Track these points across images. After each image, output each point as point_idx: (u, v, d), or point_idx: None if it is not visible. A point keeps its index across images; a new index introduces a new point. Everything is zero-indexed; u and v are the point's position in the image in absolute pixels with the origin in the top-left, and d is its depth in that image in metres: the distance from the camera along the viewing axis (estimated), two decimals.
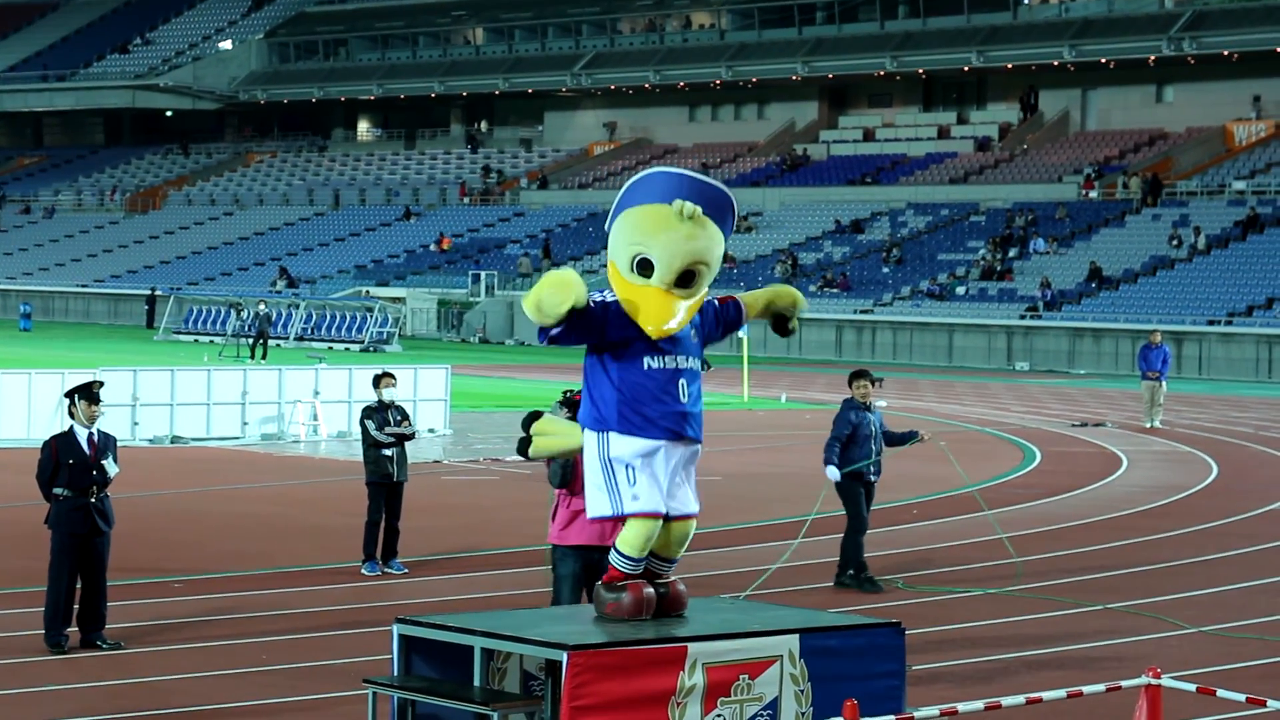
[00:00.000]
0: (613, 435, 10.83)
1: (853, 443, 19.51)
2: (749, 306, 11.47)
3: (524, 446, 11.71)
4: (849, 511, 19.72)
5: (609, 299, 10.87)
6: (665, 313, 10.80)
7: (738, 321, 11.43)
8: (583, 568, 13.86)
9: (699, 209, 10.87)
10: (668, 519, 10.97)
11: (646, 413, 10.80)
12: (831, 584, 19.69)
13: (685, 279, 10.85)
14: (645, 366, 10.83)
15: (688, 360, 10.95)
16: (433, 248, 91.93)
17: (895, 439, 19.99)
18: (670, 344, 10.87)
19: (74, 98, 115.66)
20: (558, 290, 10.54)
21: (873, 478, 19.71)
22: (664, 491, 10.87)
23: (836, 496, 19.94)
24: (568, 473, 13.82)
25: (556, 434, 11.45)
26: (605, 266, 11.24)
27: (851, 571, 19.60)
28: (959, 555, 21.72)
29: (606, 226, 11.17)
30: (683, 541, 11.15)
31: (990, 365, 67.55)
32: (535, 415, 12.05)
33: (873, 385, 19.78)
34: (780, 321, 11.59)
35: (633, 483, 10.80)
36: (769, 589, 18.45)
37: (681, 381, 10.89)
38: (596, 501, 10.94)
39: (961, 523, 24.65)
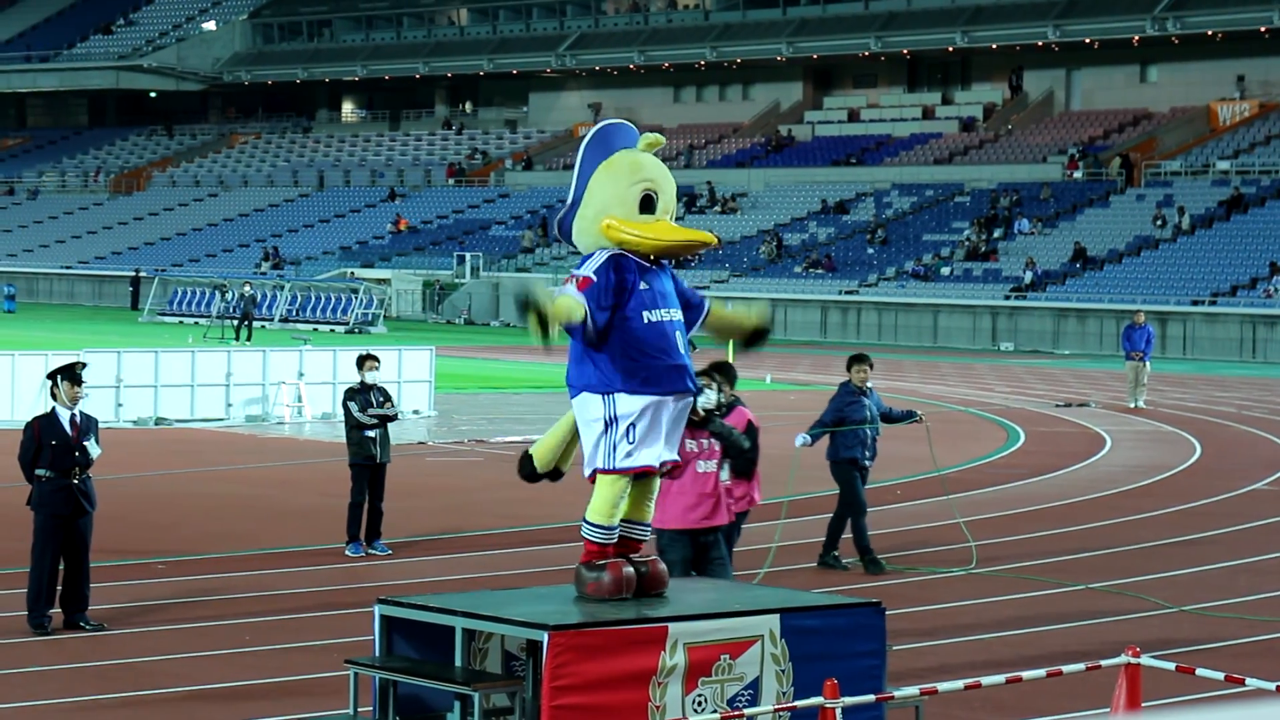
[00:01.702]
0: (619, 395, 10.81)
1: (844, 426, 19.37)
2: (714, 316, 11.38)
3: (528, 471, 11.34)
4: (844, 495, 19.65)
5: (598, 263, 10.85)
6: (683, 232, 11.10)
7: (692, 316, 11.27)
8: (692, 550, 13.91)
9: (661, 139, 11.28)
10: (652, 472, 11.01)
11: (653, 367, 10.79)
12: (814, 564, 19.72)
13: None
14: (645, 320, 10.83)
15: (676, 312, 11.02)
16: (389, 228, 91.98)
17: (894, 417, 19.92)
18: (664, 297, 10.91)
19: (57, 78, 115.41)
20: (570, 306, 10.66)
21: (867, 461, 19.62)
22: (664, 445, 10.90)
23: (830, 479, 19.93)
24: None
25: (546, 437, 11.40)
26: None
27: (857, 554, 19.53)
28: (941, 536, 21.75)
29: (577, 187, 11.11)
30: (652, 496, 11.19)
31: (975, 346, 67.64)
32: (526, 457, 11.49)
33: (871, 369, 19.71)
34: (756, 336, 11.52)
35: (631, 440, 10.78)
36: (747, 569, 18.47)
37: (677, 334, 10.95)
38: (590, 459, 10.93)
39: (944, 504, 24.68)
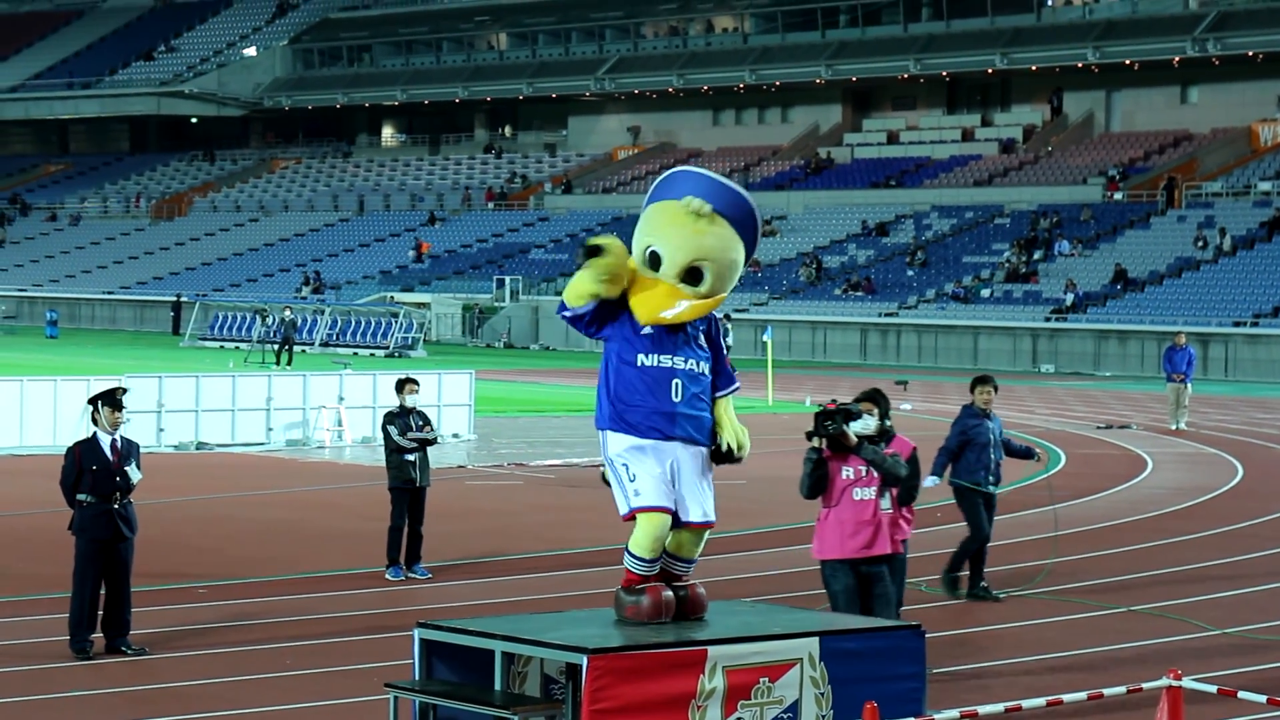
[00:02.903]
0: (609, 433, 11.01)
1: (968, 451, 18.66)
2: (717, 406, 11.26)
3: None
4: (969, 523, 18.90)
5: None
6: (662, 303, 10.92)
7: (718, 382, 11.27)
8: (855, 580, 13.56)
9: (708, 205, 11.00)
10: (680, 524, 11.02)
11: (635, 409, 10.93)
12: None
13: (692, 275, 10.97)
14: (638, 363, 10.94)
15: (686, 362, 11.01)
16: (411, 254, 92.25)
17: (1013, 449, 19.15)
18: (670, 343, 10.95)
19: (99, 105, 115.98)
20: (588, 281, 10.84)
21: (991, 489, 18.81)
22: (668, 488, 10.92)
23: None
24: (816, 483, 13.45)
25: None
26: None
27: (974, 582, 19.01)
28: (994, 558, 21.65)
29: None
30: (698, 543, 11.20)
31: (1015, 368, 67.42)
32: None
33: (995, 391, 18.81)
34: (722, 457, 11.28)
35: (633, 479, 10.89)
36: (783, 593, 18.43)
37: (676, 381, 10.94)
38: (616, 500, 11.05)
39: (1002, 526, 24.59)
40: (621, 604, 11.08)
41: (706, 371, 11.12)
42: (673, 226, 11.00)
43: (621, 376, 10.97)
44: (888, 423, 13.72)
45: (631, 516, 10.98)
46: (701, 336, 11.13)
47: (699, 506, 11.05)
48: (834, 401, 13.83)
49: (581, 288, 10.91)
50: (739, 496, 26.50)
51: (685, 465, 11.01)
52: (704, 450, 11.10)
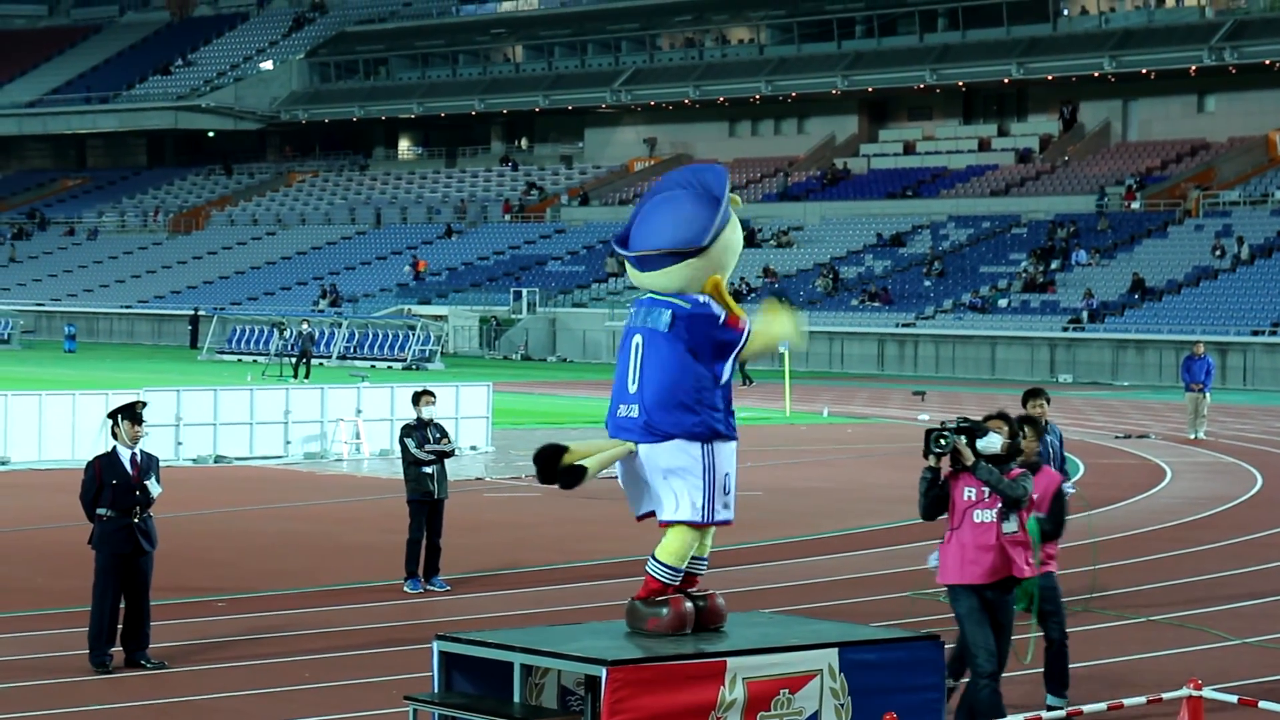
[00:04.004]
0: (718, 444, 10.96)
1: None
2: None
3: (569, 478, 11.12)
4: None
5: (718, 308, 11.03)
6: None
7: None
8: (979, 601, 12.80)
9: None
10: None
11: (731, 420, 11.10)
12: (881, 596, 19.50)
13: None
14: (725, 375, 11.11)
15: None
16: (408, 270, 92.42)
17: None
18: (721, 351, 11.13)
19: (117, 119, 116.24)
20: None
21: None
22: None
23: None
24: (932, 504, 12.83)
25: (599, 449, 11.34)
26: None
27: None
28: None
29: (714, 227, 11.04)
30: (710, 532, 11.33)
31: (1033, 378, 67.23)
32: (553, 450, 11.19)
33: (1048, 404, 18.70)
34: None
35: (727, 491, 10.95)
36: (801, 604, 18.41)
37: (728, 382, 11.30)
38: (675, 508, 10.98)
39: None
40: (641, 615, 11.06)
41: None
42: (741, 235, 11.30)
43: (725, 388, 11.07)
44: (1019, 442, 13.00)
45: (701, 525, 11.03)
46: None
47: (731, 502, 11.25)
48: (961, 421, 13.26)
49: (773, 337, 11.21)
50: (756, 507, 26.48)
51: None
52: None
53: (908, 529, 25.63)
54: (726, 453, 10.98)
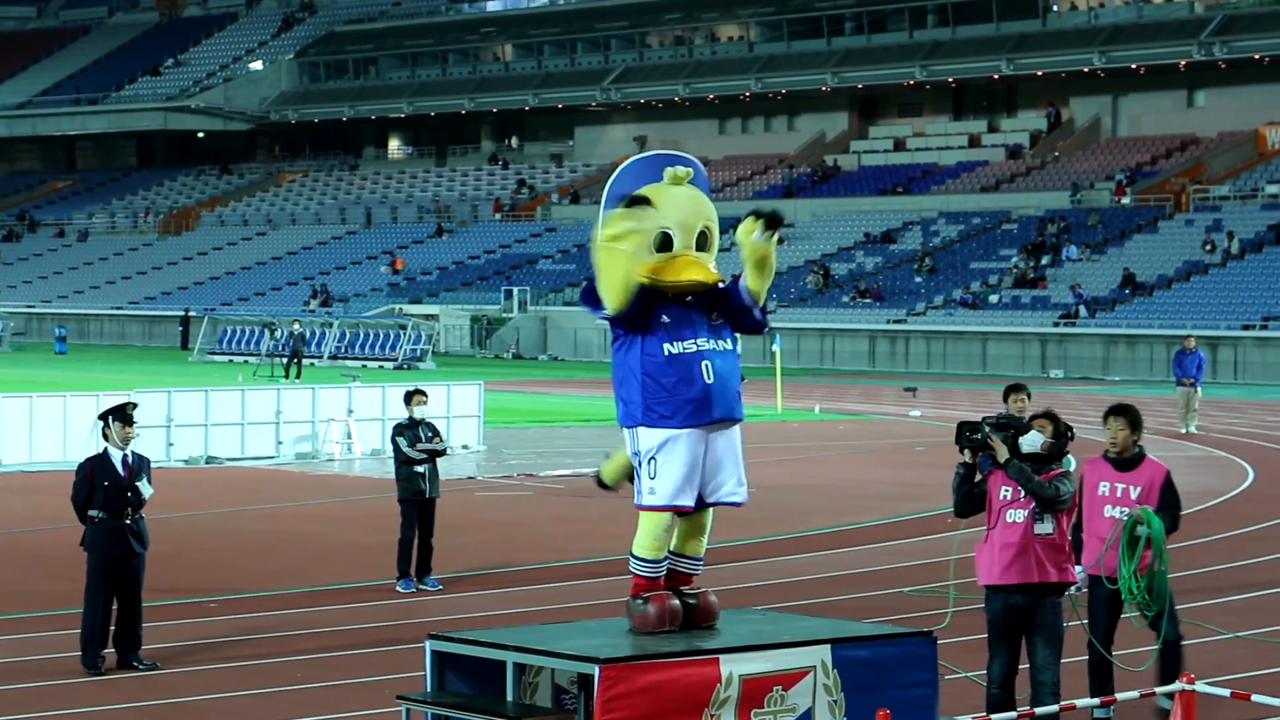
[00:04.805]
0: (641, 429, 10.93)
1: None
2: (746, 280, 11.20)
3: (602, 485, 11.92)
4: None
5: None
6: (695, 270, 10.98)
7: (742, 302, 11.22)
8: (1006, 607, 12.52)
9: (690, 170, 11.15)
10: (705, 506, 11.08)
11: (666, 400, 10.87)
12: (873, 592, 19.52)
13: (701, 241, 11.01)
14: (665, 353, 10.92)
15: (709, 342, 11.01)
16: (385, 270, 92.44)
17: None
18: (689, 327, 10.94)
19: (106, 120, 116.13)
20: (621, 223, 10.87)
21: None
22: (692, 483, 10.91)
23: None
24: (964, 499, 12.56)
25: (617, 457, 11.58)
26: None
27: None
28: None
29: (599, 228, 11.06)
30: (703, 534, 11.22)
31: (1024, 373, 67.31)
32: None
33: (1029, 399, 18.64)
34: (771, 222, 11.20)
35: (654, 475, 10.86)
36: (794, 601, 18.41)
37: (705, 364, 10.94)
38: (636, 496, 11.07)
39: None
40: (630, 612, 11.09)
41: (731, 345, 11.13)
42: (672, 202, 11.01)
43: (648, 370, 10.89)
44: (1064, 442, 12.64)
45: (644, 510, 10.98)
46: (716, 313, 11.12)
47: (733, 483, 11.08)
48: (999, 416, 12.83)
49: (616, 271, 10.81)
50: (749, 504, 26.43)
51: (719, 446, 11.02)
52: (738, 427, 11.13)
53: (899, 525, 25.66)
54: (651, 439, 10.88)
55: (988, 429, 12.38)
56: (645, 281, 10.84)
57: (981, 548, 12.55)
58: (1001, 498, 12.39)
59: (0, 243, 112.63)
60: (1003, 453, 12.30)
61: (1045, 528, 12.37)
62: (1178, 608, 13.80)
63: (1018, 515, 12.36)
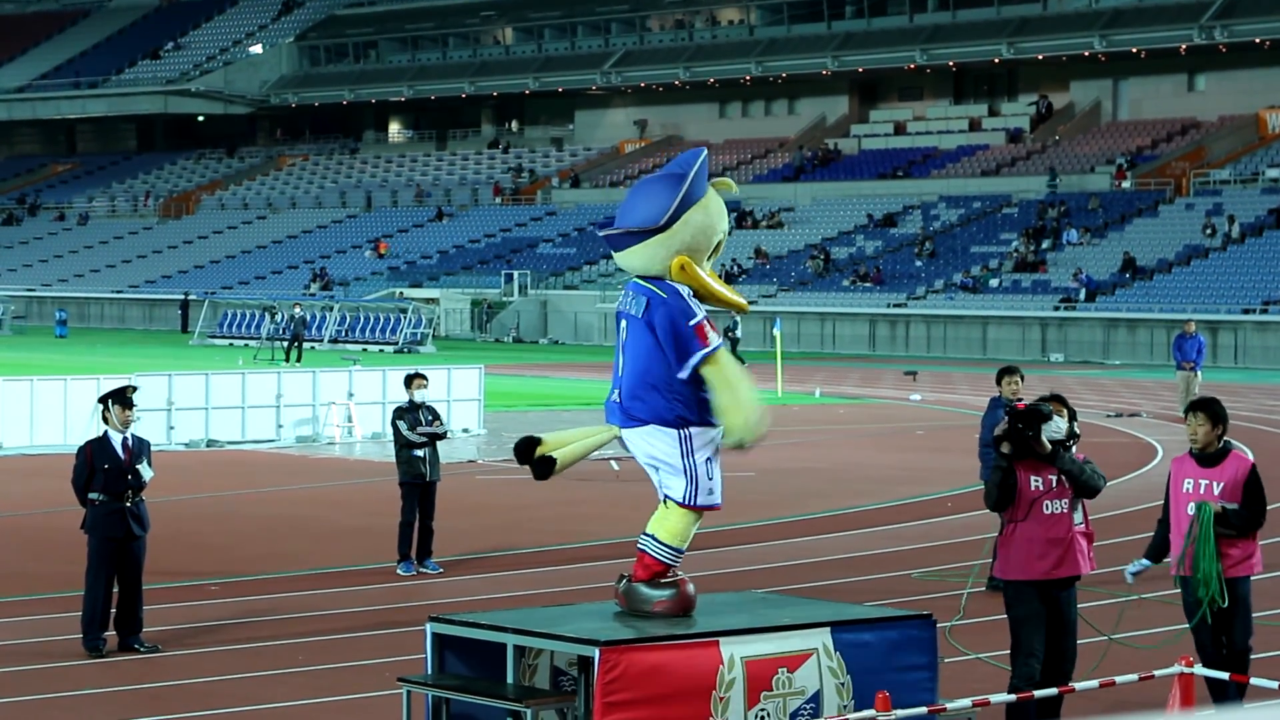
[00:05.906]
0: (694, 429, 10.90)
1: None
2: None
3: (540, 468, 11.19)
4: None
5: (695, 303, 10.95)
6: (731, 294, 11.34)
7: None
8: (1041, 604, 12.26)
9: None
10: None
11: (706, 403, 10.95)
12: (873, 576, 19.55)
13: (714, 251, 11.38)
14: (684, 375, 11.02)
15: None
16: (369, 255, 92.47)
17: None
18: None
19: (106, 104, 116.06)
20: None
21: None
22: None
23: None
24: (1006, 493, 12.19)
25: (575, 439, 11.39)
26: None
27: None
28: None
29: (673, 209, 10.88)
30: None
31: (1025, 357, 67.35)
32: (530, 441, 11.32)
33: (1022, 380, 18.24)
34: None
35: (710, 476, 10.92)
36: (805, 583, 18.42)
37: None
38: (672, 490, 10.98)
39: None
40: (646, 598, 11.00)
41: None
42: (721, 213, 11.20)
43: (696, 373, 10.94)
44: (1075, 425, 12.42)
45: (689, 509, 10.95)
46: None
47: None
48: (1022, 401, 12.49)
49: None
50: (748, 488, 26.51)
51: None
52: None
53: (899, 509, 25.69)
54: (704, 439, 10.91)
55: (1020, 426, 12.02)
56: (697, 285, 10.96)
57: (1008, 541, 12.29)
58: (1034, 489, 12.14)
59: (0, 226, 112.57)
60: (1047, 445, 12.06)
61: (1078, 518, 12.27)
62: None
63: (1057, 506, 12.16)
